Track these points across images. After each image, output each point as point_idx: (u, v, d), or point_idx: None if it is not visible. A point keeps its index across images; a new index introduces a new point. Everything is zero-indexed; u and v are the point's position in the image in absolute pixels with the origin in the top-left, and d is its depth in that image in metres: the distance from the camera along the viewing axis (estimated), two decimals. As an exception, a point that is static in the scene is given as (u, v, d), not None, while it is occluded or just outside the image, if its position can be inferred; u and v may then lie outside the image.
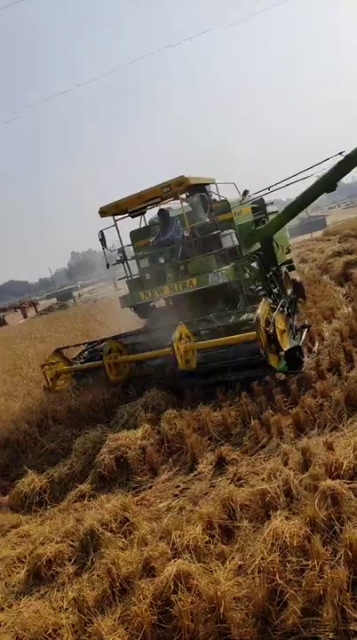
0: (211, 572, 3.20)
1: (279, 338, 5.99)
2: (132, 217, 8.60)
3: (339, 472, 3.75)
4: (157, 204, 8.26)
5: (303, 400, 5.49)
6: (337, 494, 3.42)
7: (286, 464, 4.24)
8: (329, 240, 25.53)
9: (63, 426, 6.88)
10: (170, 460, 5.38)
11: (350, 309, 9.45)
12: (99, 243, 8.38)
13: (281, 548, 3.09)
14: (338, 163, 7.82)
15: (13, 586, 3.91)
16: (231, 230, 8.12)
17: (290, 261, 11.91)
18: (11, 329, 37.24)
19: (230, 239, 8.02)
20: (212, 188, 9.12)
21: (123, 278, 9.14)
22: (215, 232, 7.93)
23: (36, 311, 51.75)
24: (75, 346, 9.01)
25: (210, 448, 5.34)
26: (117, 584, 3.39)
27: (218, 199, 9.00)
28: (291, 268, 11.89)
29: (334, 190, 8.37)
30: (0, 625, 3.46)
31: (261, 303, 6.15)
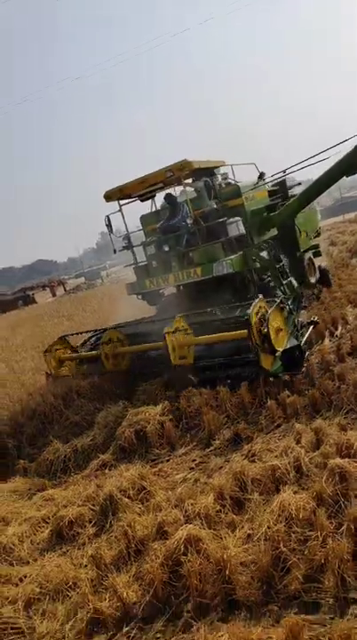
0: (221, 538, 3.40)
1: (272, 337, 5.62)
2: (142, 201, 8.44)
3: (350, 452, 3.85)
4: (162, 188, 8.06)
5: (320, 382, 5.57)
6: (345, 472, 3.53)
7: (298, 442, 4.36)
8: (362, 222, 24.90)
9: (87, 400, 7.15)
10: (188, 435, 5.57)
11: (377, 294, 9.36)
12: (107, 228, 8.21)
13: (287, 519, 3.24)
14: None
15: (38, 543, 4.22)
16: (237, 218, 7.78)
17: (316, 247, 11.35)
18: (40, 307, 38.23)
19: (236, 227, 7.66)
20: (228, 170, 8.80)
21: (130, 265, 8.95)
22: (220, 220, 7.64)
23: (65, 290, 52.78)
24: (78, 333, 8.83)
25: (227, 426, 5.49)
26: (133, 545, 3.64)
27: (232, 182, 8.67)
28: (317, 254, 11.34)
29: (355, 174, 7.86)
30: (25, 576, 3.76)
31: (257, 300, 5.82)
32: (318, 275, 10.55)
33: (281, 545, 3.05)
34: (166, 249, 8.03)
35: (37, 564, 3.90)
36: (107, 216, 8.10)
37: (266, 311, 5.78)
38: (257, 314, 5.65)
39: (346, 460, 3.68)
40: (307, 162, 7.70)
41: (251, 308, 5.63)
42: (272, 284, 7.84)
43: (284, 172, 8.28)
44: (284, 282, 8.00)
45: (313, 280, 10.21)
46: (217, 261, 7.32)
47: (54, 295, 50.81)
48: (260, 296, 6.00)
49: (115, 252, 8.78)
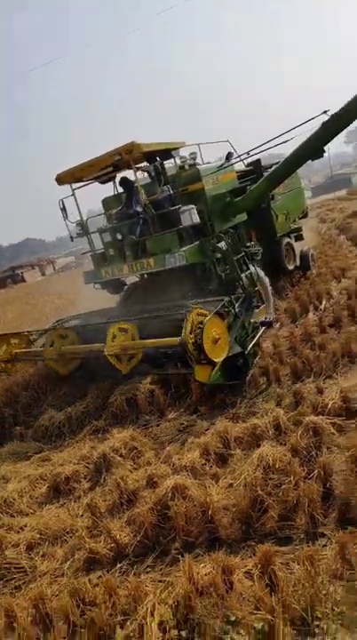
0: (205, 487, 3.73)
1: (208, 348, 5.21)
2: (101, 183, 7.92)
3: (324, 410, 4.19)
4: (116, 171, 7.52)
5: (302, 352, 5.89)
6: (318, 427, 3.88)
7: (279, 405, 4.70)
8: (351, 200, 25.14)
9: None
10: (176, 403, 5.88)
11: (360, 270, 9.68)
12: (61, 212, 7.57)
13: (264, 468, 3.58)
14: (322, 124, 6.74)
15: (36, 498, 4.54)
16: (191, 206, 7.03)
17: (298, 230, 10.79)
18: (29, 286, 38.22)
19: (189, 216, 6.93)
20: (196, 150, 8.08)
21: (87, 252, 8.44)
22: (172, 208, 7.09)
23: (54, 269, 52.61)
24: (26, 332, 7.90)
25: (213, 393, 5.82)
26: (125, 496, 3.97)
27: (193, 165, 7.96)
28: (299, 238, 10.80)
29: (321, 157, 7.34)
30: (26, 525, 4.09)
31: (191, 309, 5.43)
32: (298, 261, 10.12)
33: (259, 489, 3.39)
34: (119, 237, 7.54)
35: (37, 515, 4.23)
36: (61, 200, 7.54)
37: (203, 319, 5.35)
38: (191, 325, 5.27)
39: (320, 417, 4.02)
40: (273, 142, 7.11)
41: (184, 322, 5.23)
42: (230, 276, 7.31)
43: (248, 153, 7.71)
44: (244, 274, 7.37)
45: (291, 266, 9.84)
46: (170, 252, 6.82)
47: (43, 274, 50.64)
48: (196, 304, 5.60)
49: (72, 239, 8.09)
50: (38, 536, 3.90)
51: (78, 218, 7.85)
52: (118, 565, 3.39)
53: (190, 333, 5.19)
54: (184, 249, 6.80)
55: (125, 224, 7.50)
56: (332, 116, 6.61)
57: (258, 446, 4.04)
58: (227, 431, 4.39)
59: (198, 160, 8.12)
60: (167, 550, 3.40)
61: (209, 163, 8.14)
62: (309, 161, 7.63)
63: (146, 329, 6.14)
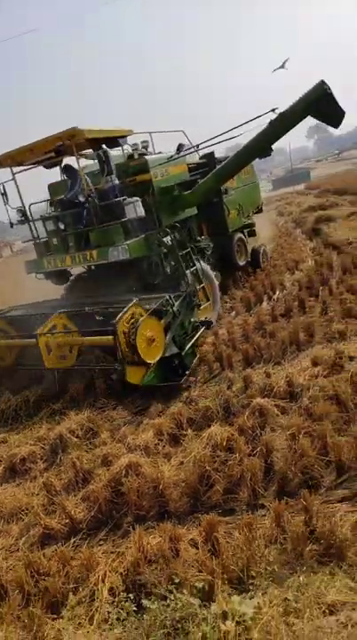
0: (158, 466, 3.95)
1: (141, 349, 5.08)
2: (46, 168, 7.47)
3: (270, 393, 4.49)
4: (58, 157, 7.09)
5: (253, 339, 6.20)
6: (263, 409, 4.17)
7: (229, 388, 4.97)
8: (308, 194, 25.84)
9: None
10: (132, 388, 6.05)
11: (312, 262, 10.14)
12: (1, 197, 7.14)
13: (213, 447, 3.83)
14: (270, 122, 6.69)
15: (-8, 478, 4.61)
16: (136, 198, 6.84)
17: (251, 225, 10.75)
18: (-14, 267, 36.94)
19: (133, 208, 6.73)
20: (148, 139, 7.92)
21: (29, 241, 8.04)
22: (116, 199, 6.78)
23: (12, 251, 51.08)
24: None
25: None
26: (80, 475, 4.12)
27: (153, 153, 7.83)
28: (252, 234, 10.82)
29: (268, 155, 7.33)
30: (-18, 505, 4.17)
31: (130, 304, 5.24)
32: (247, 256, 10.16)
33: (207, 466, 3.64)
34: (62, 227, 7.23)
35: (-8, 494, 4.31)
36: (2, 184, 7.11)
37: (138, 319, 5.19)
38: (128, 322, 5.11)
39: (266, 399, 4.31)
40: (221, 137, 6.98)
41: (120, 315, 5.07)
42: (176, 272, 7.10)
43: (197, 146, 7.53)
44: (189, 270, 7.16)
45: (242, 262, 9.86)
46: (113, 245, 6.58)
47: (0, 256, 49.09)
48: (135, 300, 5.37)
49: (11, 225, 7.73)
50: (-6, 514, 4.00)
51: (19, 204, 7.38)
52: (72, 540, 3.55)
53: (125, 325, 5.06)
54: (128, 242, 6.59)
55: (69, 213, 7.16)
56: (279, 115, 6.63)
57: (209, 427, 4.29)
58: (181, 413, 4.62)
59: (150, 149, 7.98)
60: (120, 524, 3.59)
61: (160, 153, 7.90)
62: (257, 159, 7.79)
63: (84, 324, 6.01)
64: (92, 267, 7.85)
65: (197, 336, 6.12)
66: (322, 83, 6.37)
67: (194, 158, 8.80)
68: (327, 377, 4.65)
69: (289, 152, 47.68)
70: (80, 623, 2.64)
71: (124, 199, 6.77)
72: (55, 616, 2.81)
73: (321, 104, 6.45)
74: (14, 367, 6.73)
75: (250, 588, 2.51)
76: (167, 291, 6.18)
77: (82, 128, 6.34)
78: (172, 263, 7.18)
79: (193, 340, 5.99)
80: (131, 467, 3.81)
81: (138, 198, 6.85)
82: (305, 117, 6.72)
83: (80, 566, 3.12)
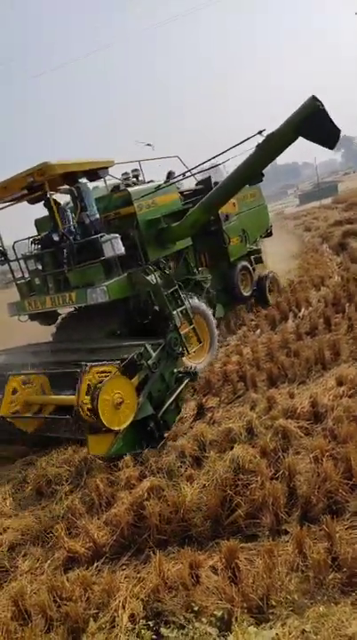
0: (180, 489, 3.93)
1: (105, 415, 4.41)
2: (30, 203, 6.83)
3: (294, 414, 4.42)
4: (30, 195, 6.50)
5: (277, 357, 6.14)
6: (286, 430, 4.10)
7: (253, 409, 4.92)
8: (335, 208, 25.55)
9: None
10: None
11: (339, 278, 9.99)
12: None
13: (235, 469, 3.79)
14: (257, 146, 6.01)
15: (19, 501, 4.70)
16: (115, 235, 6.28)
17: (257, 252, 9.90)
18: None
19: (111, 246, 6.16)
20: (138, 167, 7.55)
21: (10, 282, 7.73)
22: (92, 237, 6.39)
23: None
24: None
25: (194, 398, 6.04)
26: (104, 497, 4.15)
27: (143, 182, 7.43)
28: (258, 260, 9.89)
29: (260, 181, 6.84)
30: (9, 527, 4.26)
31: (88, 368, 4.56)
32: (252, 286, 9.40)
33: (228, 489, 3.60)
34: (39, 267, 6.96)
35: (19, 517, 4.39)
36: None
37: (104, 378, 4.55)
38: (87, 388, 4.51)
39: (289, 420, 4.25)
40: (209, 162, 6.52)
41: (78, 384, 4.49)
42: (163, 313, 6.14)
43: (183, 175, 7.06)
44: (177, 310, 6.22)
45: (247, 293, 9.15)
46: (92, 287, 6.10)
47: None
48: (88, 366, 4.58)
49: None
50: (20, 537, 4.07)
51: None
52: (95, 564, 3.56)
53: (87, 395, 4.47)
54: (107, 283, 6.06)
55: (47, 252, 6.78)
56: (266, 137, 5.91)
57: (232, 449, 4.26)
58: (203, 434, 4.60)
59: (141, 178, 7.60)
60: (142, 548, 3.59)
61: (151, 182, 7.44)
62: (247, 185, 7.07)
63: (60, 379, 5.52)
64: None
65: (180, 389, 5.33)
66: (314, 99, 5.59)
67: (191, 184, 8.51)
68: (352, 397, 4.54)
69: (316, 166, 47.45)
70: (100, 650, 2.64)
71: (102, 236, 6.28)
72: (76, 642, 2.82)
73: (312, 123, 5.66)
74: None
75: (270, 617, 2.45)
76: (156, 333, 5.70)
77: (53, 163, 6.01)
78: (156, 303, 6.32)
79: (174, 395, 5.21)
80: (153, 490, 3.81)
81: (116, 235, 6.31)
82: (295, 139, 5.96)
83: (101, 591, 3.13)
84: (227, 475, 3.73)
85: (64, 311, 7.64)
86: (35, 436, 5.62)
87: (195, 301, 7.14)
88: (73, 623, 2.95)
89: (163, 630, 2.51)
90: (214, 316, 7.71)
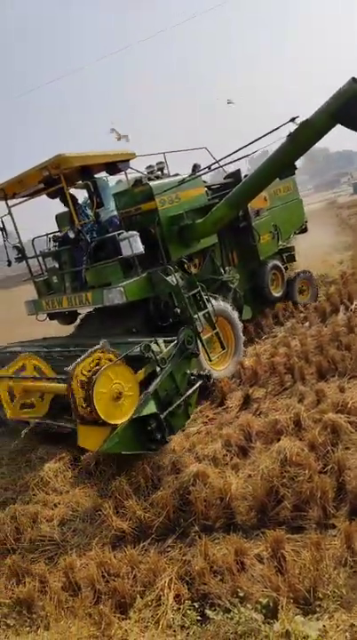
0: (225, 477, 3.96)
1: (99, 406, 4.13)
2: (51, 198, 6.67)
3: (344, 409, 4.32)
4: (46, 189, 6.40)
5: (327, 351, 5.99)
6: (336, 425, 4.02)
7: (300, 402, 4.85)
8: None
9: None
10: (203, 397, 6.11)
11: None
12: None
13: (282, 461, 3.77)
14: (289, 136, 5.42)
15: (70, 478, 4.89)
16: (133, 233, 5.94)
17: (290, 250, 9.25)
18: None
19: (128, 244, 5.82)
20: (162, 160, 7.16)
21: (28, 279, 7.50)
22: (109, 235, 6.21)
23: None
24: None
25: (240, 389, 6.02)
26: (150, 480, 4.25)
27: (169, 175, 7.05)
28: (290, 259, 9.26)
29: (292, 174, 6.24)
30: (60, 503, 4.45)
31: (94, 348, 4.41)
32: (284, 287, 8.74)
33: (275, 480, 3.59)
34: (56, 265, 6.77)
35: (69, 494, 4.57)
36: (1, 218, 6.59)
37: (100, 368, 4.28)
38: (88, 370, 4.25)
39: (339, 415, 4.16)
40: (240, 153, 5.69)
41: (79, 359, 4.27)
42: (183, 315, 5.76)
43: (209, 167, 6.50)
44: (199, 314, 5.81)
45: (277, 294, 8.51)
46: (109, 287, 5.88)
47: None
48: (102, 342, 4.46)
49: (9, 264, 6.85)
50: (70, 513, 4.25)
51: (16, 240, 6.68)
52: (141, 544, 3.67)
53: (85, 373, 4.25)
54: (124, 283, 5.79)
55: (66, 250, 6.59)
56: (299, 125, 5.28)
57: (278, 440, 4.23)
58: (250, 425, 4.59)
59: (166, 171, 7.24)
60: (187, 532, 3.65)
61: (177, 175, 7.06)
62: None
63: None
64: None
65: (190, 392, 4.98)
66: (354, 81, 4.89)
67: (221, 177, 8.05)
68: None
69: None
70: (146, 626, 2.73)
71: (120, 234, 6.01)
72: (123, 616, 2.93)
73: (352, 108, 5.03)
74: None
75: (317, 609, 2.44)
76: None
77: (68, 155, 5.75)
78: (177, 306, 5.89)
79: (183, 397, 4.88)
80: (199, 476, 3.86)
81: (135, 233, 5.95)
82: (332, 126, 5.32)
83: (148, 570, 3.22)
84: (274, 466, 3.71)
85: (84, 311, 7.38)
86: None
87: (220, 304, 6.59)
88: (120, 598, 3.06)
89: (209, 612, 2.56)
90: (241, 318, 7.21)
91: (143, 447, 4.48)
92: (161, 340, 4.95)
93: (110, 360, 4.36)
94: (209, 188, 7.66)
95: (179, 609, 2.80)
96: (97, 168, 6.39)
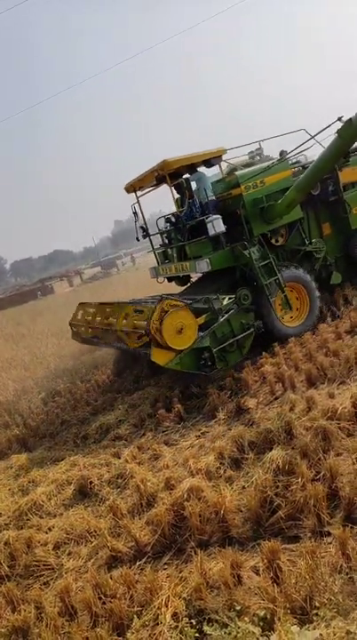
0: (220, 490, 3.94)
1: (168, 335, 5.90)
2: (158, 186, 8.79)
3: (334, 415, 4.34)
4: (159, 184, 8.60)
5: (316, 358, 6.03)
6: (327, 431, 4.03)
7: (291, 410, 4.86)
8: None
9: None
10: (195, 410, 6.12)
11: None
12: (133, 216, 8.70)
13: (274, 471, 3.77)
14: (337, 132, 6.18)
15: (63, 500, 4.83)
16: (217, 216, 7.51)
17: None
18: (58, 297, 39.21)
19: (212, 226, 7.42)
20: (259, 146, 8.58)
21: (150, 251, 9.56)
22: (198, 218, 7.74)
23: (81, 280, 53.76)
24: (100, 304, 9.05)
25: (231, 400, 6.02)
26: (144, 498, 4.22)
27: (264, 160, 8.29)
28: None
29: (347, 162, 7.57)
30: (54, 526, 4.40)
31: (158, 303, 6.07)
32: None
33: (269, 491, 3.58)
34: (166, 241, 8.67)
35: (63, 516, 4.52)
36: (133, 205, 8.76)
37: (167, 310, 6.01)
38: (160, 312, 5.99)
39: (329, 421, 4.18)
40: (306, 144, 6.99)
41: (150, 310, 6.02)
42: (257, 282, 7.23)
43: (300, 146, 7.31)
44: (267, 281, 7.20)
45: None
46: (200, 259, 7.44)
47: (71, 285, 51.84)
48: (164, 297, 6.28)
49: (138, 239, 8.97)
50: (65, 536, 4.19)
51: (153, 218, 8.88)
52: (138, 563, 3.63)
53: (156, 321, 5.90)
54: (211, 255, 7.41)
55: (173, 229, 8.38)
56: (346, 122, 5.89)
57: (271, 450, 4.23)
58: (242, 436, 4.59)
59: (263, 155, 8.64)
60: (183, 548, 3.62)
61: (283, 153, 8.05)
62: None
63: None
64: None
65: (242, 336, 6.62)
66: None
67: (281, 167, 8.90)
68: None
69: None
70: (144, 647, 2.69)
71: (207, 217, 7.59)
72: (120, 638, 2.88)
73: None
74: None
75: (314, 618, 2.43)
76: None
77: (169, 160, 7.56)
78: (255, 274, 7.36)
79: (235, 338, 6.53)
80: (193, 491, 3.84)
81: (218, 216, 7.53)
82: None
83: (145, 590, 3.18)
84: (267, 476, 3.71)
85: (195, 276, 9.17)
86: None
87: (294, 271, 7.81)
88: (117, 620, 3.02)
89: (206, 628, 2.53)
90: (329, 283, 8.49)
91: (198, 369, 6.26)
92: (225, 297, 6.71)
93: (177, 306, 6.12)
94: (303, 167, 8.51)
95: (177, 626, 2.77)
96: (196, 165, 8.15)
